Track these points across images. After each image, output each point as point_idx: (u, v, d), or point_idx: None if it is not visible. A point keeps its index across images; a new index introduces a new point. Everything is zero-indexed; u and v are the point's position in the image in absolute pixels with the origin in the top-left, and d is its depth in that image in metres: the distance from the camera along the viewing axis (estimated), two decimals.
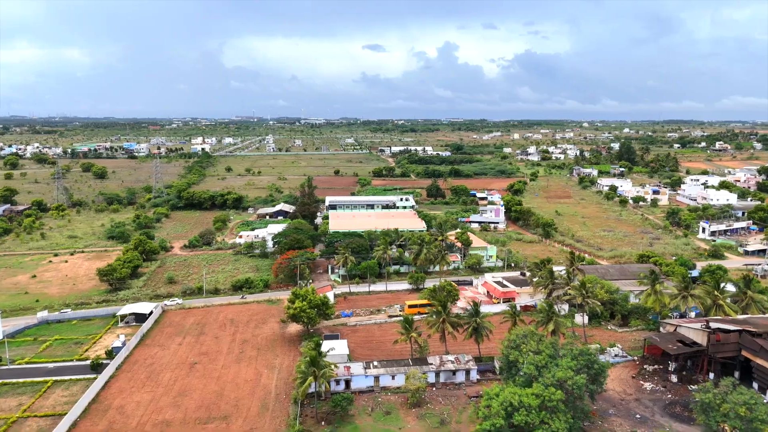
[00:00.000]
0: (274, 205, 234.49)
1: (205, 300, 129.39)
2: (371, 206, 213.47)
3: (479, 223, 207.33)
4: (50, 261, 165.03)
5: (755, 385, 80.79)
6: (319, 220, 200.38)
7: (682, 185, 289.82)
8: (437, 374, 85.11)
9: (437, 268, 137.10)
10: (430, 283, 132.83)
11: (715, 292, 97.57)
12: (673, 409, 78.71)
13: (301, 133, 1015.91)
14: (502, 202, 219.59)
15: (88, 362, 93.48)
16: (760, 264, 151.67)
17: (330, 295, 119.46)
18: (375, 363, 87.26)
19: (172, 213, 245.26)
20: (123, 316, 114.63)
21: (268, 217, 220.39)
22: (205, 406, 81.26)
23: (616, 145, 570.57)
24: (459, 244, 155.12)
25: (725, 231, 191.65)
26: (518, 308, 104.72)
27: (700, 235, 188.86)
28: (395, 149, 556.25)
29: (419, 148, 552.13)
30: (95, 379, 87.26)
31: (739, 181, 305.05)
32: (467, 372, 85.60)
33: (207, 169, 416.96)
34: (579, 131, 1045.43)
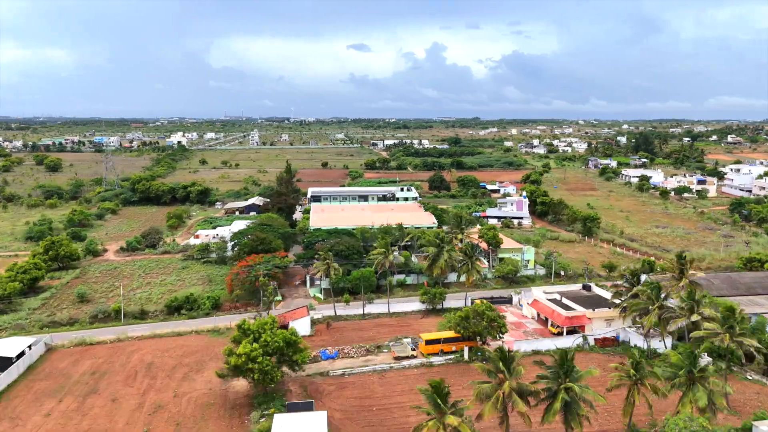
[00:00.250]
0: (246, 199, 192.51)
1: (122, 328, 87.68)
2: (364, 198, 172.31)
3: (498, 218, 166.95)
4: None
5: None
6: (299, 215, 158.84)
7: (723, 176, 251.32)
8: None
9: (461, 279, 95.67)
10: (452, 303, 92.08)
11: None
12: None
13: (289, 129, 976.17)
14: (524, 194, 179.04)
15: None
16: None
17: (304, 323, 78.37)
18: None
19: (124, 209, 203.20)
20: None
21: (237, 212, 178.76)
22: None
23: (622, 139, 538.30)
24: (484, 246, 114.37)
25: None
26: (591, 342, 66.04)
27: None
28: (388, 142, 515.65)
29: (415, 141, 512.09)
30: None
31: None
32: None
33: (180, 162, 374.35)
34: (576, 127, 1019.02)
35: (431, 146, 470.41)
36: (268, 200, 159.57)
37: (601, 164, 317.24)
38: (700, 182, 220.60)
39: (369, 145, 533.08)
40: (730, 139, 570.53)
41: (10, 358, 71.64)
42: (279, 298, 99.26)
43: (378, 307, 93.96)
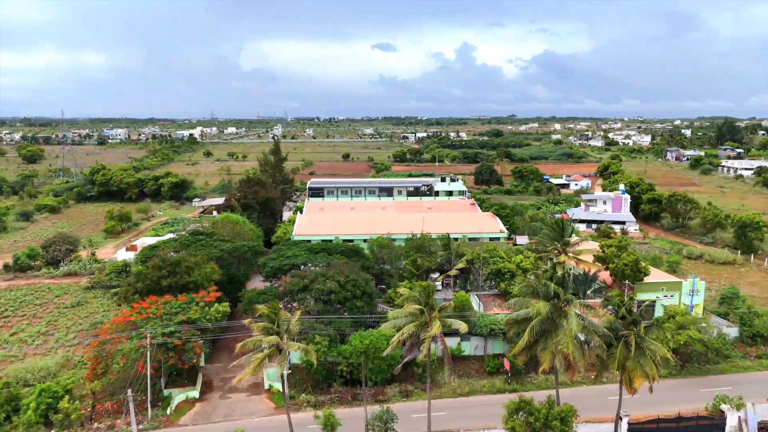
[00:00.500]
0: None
1: None
2: (388, 192, 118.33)
3: (587, 222, 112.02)
4: None
5: None
6: (288, 214, 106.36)
7: None
8: None
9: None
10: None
11: None
12: None
13: (317, 126, 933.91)
14: (622, 188, 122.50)
15: None
16: None
17: None
18: None
19: (77, 205, 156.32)
20: None
21: (216, 212, 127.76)
22: None
23: (687, 132, 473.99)
24: (606, 277, 60.04)
25: None
26: None
27: None
28: (421, 135, 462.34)
29: (452, 134, 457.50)
30: None
31: None
32: None
33: (183, 154, 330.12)
34: (623, 123, 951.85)
35: (469, 138, 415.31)
36: (238, 194, 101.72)
37: (686, 156, 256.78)
38: None
39: (399, 138, 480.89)
40: None
41: None
42: (194, 394, 46.86)
43: (404, 419, 40.28)
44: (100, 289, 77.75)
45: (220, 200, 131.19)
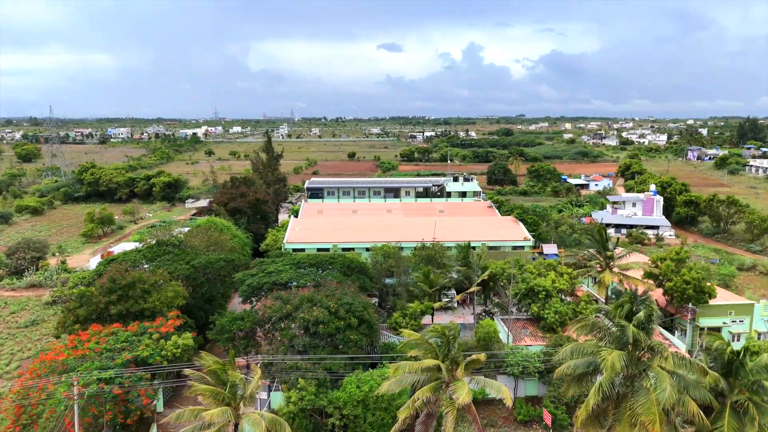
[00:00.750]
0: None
1: None
2: (395, 192, 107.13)
3: (616, 227, 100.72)
4: None
5: None
6: (283, 217, 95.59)
7: None
8: None
9: None
10: None
11: None
12: None
13: (324, 125, 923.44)
14: (654, 189, 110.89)
15: None
16: None
17: None
18: None
19: (64, 206, 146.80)
20: None
21: (207, 215, 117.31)
22: None
23: (703, 131, 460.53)
24: (658, 296, 48.79)
25: None
26: None
27: None
28: (429, 134, 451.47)
29: (461, 133, 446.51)
30: None
31: None
32: None
33: (185, 153, 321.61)
34: (634, 123, 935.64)
35: (479, 137, 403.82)
36: (224, 196, 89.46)
37: (709, 155, 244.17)
38: None
39: (407, 138, 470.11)
40: None
41: None
42: None
43: None
44: (62, 304, 67.49)
45: (205, 203, 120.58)
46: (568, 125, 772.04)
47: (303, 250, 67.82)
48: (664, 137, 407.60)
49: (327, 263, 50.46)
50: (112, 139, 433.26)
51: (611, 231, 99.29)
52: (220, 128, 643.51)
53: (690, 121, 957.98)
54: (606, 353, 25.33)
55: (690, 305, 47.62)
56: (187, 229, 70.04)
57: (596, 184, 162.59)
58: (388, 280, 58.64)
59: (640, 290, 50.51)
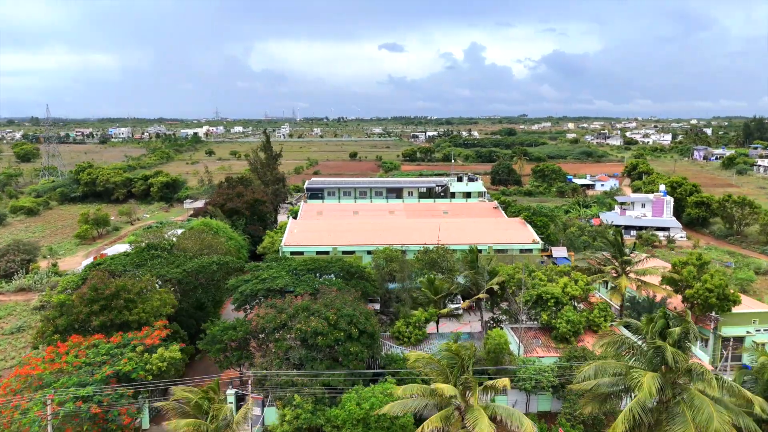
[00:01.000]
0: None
1: None
2: (397, 193, 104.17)
3: (625, 228, 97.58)
4: None
5: None
6: (282, 218, 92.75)
7: None
8: None
9: None
10: None
11: None
12: None
13: (326, 125, 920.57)
14: (664, 189, 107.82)
15: None
16: None
17: None
18: None
19: (60, 206, 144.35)
20: None
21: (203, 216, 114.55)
22: None
23: (708, 131, 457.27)
24: (678, 303, 45.79)
25: None
26: None
27: None
28: (431, 134, 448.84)
29: (464, 132, 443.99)
30: None
31: None
32: None
33: (185, 153, 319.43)
34: (637, 123, 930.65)
35: (482, 137, 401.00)
36: (219, 197, 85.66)
37: (715, 155, 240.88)
38: None
39: (409, 137, 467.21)
40: None
41: None
42: None
43: None
44: (50, 309, 64.78)
45: (201, 203, 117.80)
46: (570, 125, 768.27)
47: (302, 253, 65.02)
48: (668, 137, 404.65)
49: (326, 268, 47.56)
50: (112, 139, 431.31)
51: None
52: (221, 128, 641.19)
53: (693, 121, 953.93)
54: (638, 375, 22.43)
55: (713, 314, 44.65)
56: (180, 231, 67.20)
57: (602, 185, 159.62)
58: (390, 285, 55.80)
59: (658, 297, 47.70)
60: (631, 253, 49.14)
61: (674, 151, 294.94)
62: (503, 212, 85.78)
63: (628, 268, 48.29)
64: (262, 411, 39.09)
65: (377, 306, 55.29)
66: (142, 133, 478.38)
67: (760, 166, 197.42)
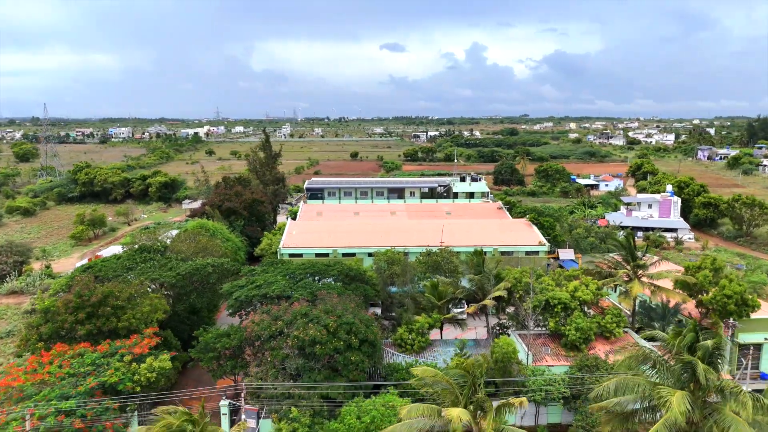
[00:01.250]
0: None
1: None
2: (398, 193, 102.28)
3: (632, 229, 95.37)
4: None
5: None
6: (282, 219, 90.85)
7: None
8: None
9: None
10: None
11: None
12: None
13: (327, 125, 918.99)
14: (671, 190, 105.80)
15: None
16: None
17: None
18: None
19: (57, 206, 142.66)
20: None
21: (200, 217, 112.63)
22: None
23: (711, 130, 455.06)
24: (691, 309, 43.76)
25: None
26: None
27: None
28: (433, 134, 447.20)
29: (466, 132, 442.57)
30: None
31: None
32: None
33: (186, 152, 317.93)
34: (639, 123, 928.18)
35: (484, 137, 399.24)
36: (217, 197, 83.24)
37: (720, 155, 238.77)
38: None
39: (410, 137, 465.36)
40: None
41: None
42: None
43: None
44: (35, 315, 62.90)
45: (198, 204, 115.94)
46: (572, 125, 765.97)
47: (301, 255, 63.11)
48: (671, 137, 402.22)
49: (325, 271, 45.60)
50: (112, 139, 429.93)
51: (623, 234, 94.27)
52: (222, 128, 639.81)
53: (696, 121, 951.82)
54: (666, 393, 20.45)
55: (731, 320, 42.64)
56: (175, 232, 65.26)
57: (606, 185, 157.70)
58: (392, 289, 53.88)
59: (672, 302, 45.63)
60: (643, 255, 47.12)
61: (678, 150, 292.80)
62: (507, 213, 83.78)
63: (640, 272, 46.27)
64: (257, 423, 37.13)
65: (378, 310, 53.38)
66: (143, 133, 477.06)
67: (765, 166, 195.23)
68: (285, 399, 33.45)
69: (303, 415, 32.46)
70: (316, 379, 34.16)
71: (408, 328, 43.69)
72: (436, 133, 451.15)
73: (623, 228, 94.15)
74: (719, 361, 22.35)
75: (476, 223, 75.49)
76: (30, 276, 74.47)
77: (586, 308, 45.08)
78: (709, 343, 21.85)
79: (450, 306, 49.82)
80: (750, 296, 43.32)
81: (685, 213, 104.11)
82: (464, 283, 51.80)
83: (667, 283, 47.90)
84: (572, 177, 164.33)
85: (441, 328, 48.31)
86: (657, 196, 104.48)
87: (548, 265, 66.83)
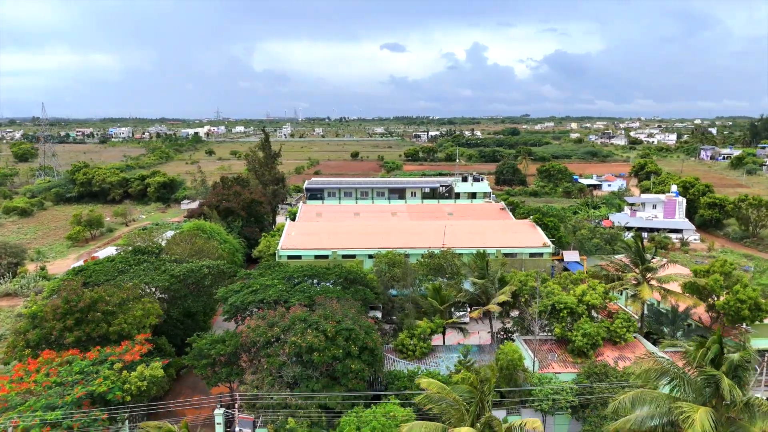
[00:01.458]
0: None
1: None
2: (399, 193, 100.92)
3: (637, 230, 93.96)
4: None
5: None
6: (281, 220, 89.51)
7: None
8: None
9: None
10: None
11: None
12: None
13: (327, 125, 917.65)
14: (676, 190, 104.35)
15: None
16: None
17: None
18: None
19: (55, 207, 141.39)
20: None
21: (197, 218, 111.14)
22: None
23: (713, 130, 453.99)
24: (702, 312, 42.33)
25: None
26: None
27: None
28: (434, 133, 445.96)
29: (467, 132, 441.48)
30: None
31: None
32: None
33: (185, 152, 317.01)
34: (641, 123, 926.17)
35: (485, 137, 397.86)
36: (215, 197, 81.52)
37: (722, 154, 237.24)
38: None
39: (411, 137, 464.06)
40: None
41: None
42: None
43: None
44: (23, 320, 61.56)
45: (196, 204, 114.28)
46: (574, 125, 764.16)
47: (299, 257, 61.74)
48: (673, 137, 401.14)
49: (323, 275, 44.20)
50: (112, 139, 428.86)
51: (628, 235, 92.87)
52: (223, 128, 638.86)
53: (697, 121, 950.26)
54: (689, 409, 19.04)
55: (744, 326, 41.21)
56: (171, 233, 63.87)
57: (609, 185, 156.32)
58: (393, 291, 52.50)
59: (682, 307, 44.18)
60: (652, 258, 45.72)
61: (680, 150, 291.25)
62: (510, 214, 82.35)
63: (649, 275, 44.83)
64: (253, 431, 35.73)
65: (379, 314, 52.01)
66: (143, 133, 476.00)
67: None
68: (281, 409, 32.07)
69: (300, 425, 31.08)
70: (313, 388, 32.78)
71: (409, 333, 42.30)
72: (437, 133, 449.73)
73: (629, 229, 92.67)
74: (746, 375, 20.92)
75: (479, 224, 74.06)
76: (24, 278, 73.17)
77: (593, 313, 43.70)
78: (736, 356, 20.43)
79: (452, 310, 48.41)
80: (764, 300, 41.85)
81: (690, 213, 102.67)
82: (467, 285, 50.43)
83: (675, 287, 46.49)
84: (575, 177, 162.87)
85: (443, 333, 46.93)
86: (662, 197, 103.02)
87: (553, 267, 65.43)
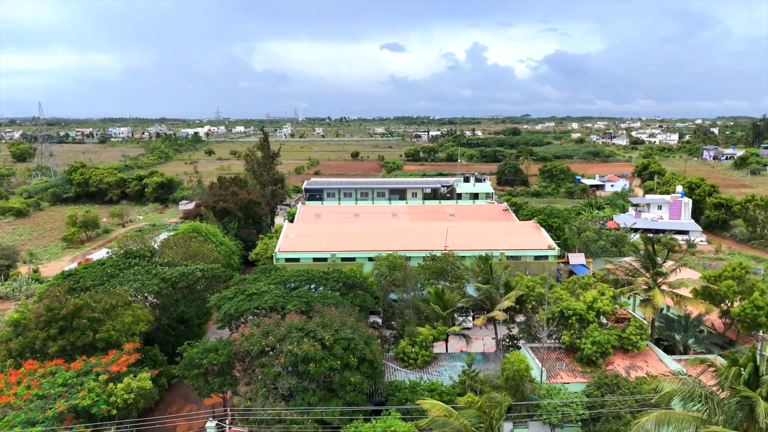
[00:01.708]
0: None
1: None
2: (400, 193, 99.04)
3: (643, 231, 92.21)
4: None
5: None
6: (279, 221, 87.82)
7: None
8: None
9: None
10: None
11: None
12: None
13: (328, 125, 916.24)
14: (681, 190, 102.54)
15: None
16: None
17: None
18: None
19: (52, 207, 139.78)
20: None
21: (193, 219, 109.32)
22: None
23: (714, 130, 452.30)
24: (714, 317, 40.63)
25: None
26: None
27: None
28: (434, 133, 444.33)
29: (467, 132, 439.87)
30: None
31: None
32: None
33: (185, 152, 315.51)
34: (642, 123, 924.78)
35: (486, 137, 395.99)
36: (212, 198, 79.80)
37: (725, 154, 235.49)
38: None
39: (412, 137, 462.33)
40: None
41: None
42: None
43: None
44: (5, 328, 59.87)
45: (192, 205, 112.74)
46: (574, 125, 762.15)
47: (297, 260, 60.06)
48: (675, 137, 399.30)
49: (321, 280, 42.47)
50: (112, 139, 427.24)
51: (635, 236, 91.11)
52: (222, 128, 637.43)
53: (698, 121, 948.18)
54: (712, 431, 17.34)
55: (760, 333, 39.49)
56: (165, 235, 62.18)
57: (612, 185, 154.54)
58: (393, 296, 50.80)
59: (694, 313, 42.40)
60: (664, 262, 43.99)
61: (682, 150, 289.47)
62: (514, 215, 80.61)
63: (660, 280, 43.10)
64: None
65: (379, 319, 50.31)
66: (143, 133, 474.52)
67: None
68: (276, 423, 30.35)
69: None
70: (310, 401, 31.08)
71: (411, 341, 40.61)
72: (438, 133, 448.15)
73: (635, 230, 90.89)
74: None
75: (481, 226, 72.33)
76: (17, 280, 71.52)
77: (603, 319, 41.99)
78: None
79: (455, 315, 46.71)
80: None
81: (695, 214, 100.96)
82: (469, 290, 48.74)
83: (685, 292, 44.79)
84: (577, 177, 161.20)
85: (446, 340, 45.22)
86: (667, 197, 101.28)
87: (558, 270, 63.74)
